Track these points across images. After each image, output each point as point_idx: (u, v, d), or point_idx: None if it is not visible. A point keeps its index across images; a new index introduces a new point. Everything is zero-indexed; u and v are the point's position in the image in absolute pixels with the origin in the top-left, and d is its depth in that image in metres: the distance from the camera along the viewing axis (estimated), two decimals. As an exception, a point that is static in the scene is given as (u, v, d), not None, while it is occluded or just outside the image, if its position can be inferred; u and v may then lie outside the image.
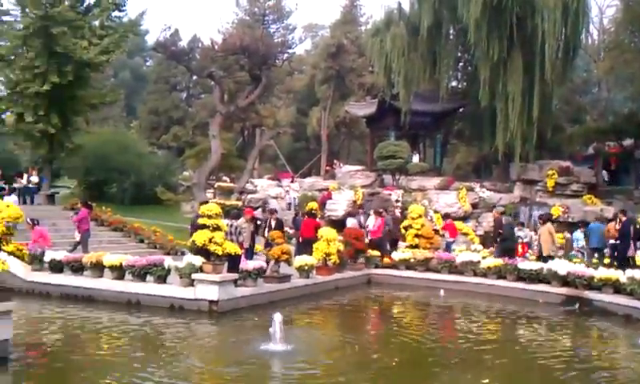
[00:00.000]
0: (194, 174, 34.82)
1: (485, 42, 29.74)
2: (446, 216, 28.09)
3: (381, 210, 22.82)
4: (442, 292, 17.52)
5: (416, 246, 20.73)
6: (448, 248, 22.64)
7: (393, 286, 19.00)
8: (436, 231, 25.04)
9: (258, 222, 19.65)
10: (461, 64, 40.43)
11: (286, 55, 40.07)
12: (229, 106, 35.13)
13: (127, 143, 36.51)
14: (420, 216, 21.57)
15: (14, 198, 20.52)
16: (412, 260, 19.73)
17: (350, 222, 22.93)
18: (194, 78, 56.15)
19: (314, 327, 13.59)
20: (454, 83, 40.13)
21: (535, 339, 12.40)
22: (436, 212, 28.53)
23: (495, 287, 17.53)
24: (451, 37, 35.37)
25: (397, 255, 20.14)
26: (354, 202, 29.67)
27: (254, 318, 13.24)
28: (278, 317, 10.35)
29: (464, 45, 35.32)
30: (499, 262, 17.89)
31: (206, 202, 18.48)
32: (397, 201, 29.05)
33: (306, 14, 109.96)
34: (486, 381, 8.81)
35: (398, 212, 25.77)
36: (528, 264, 17.37)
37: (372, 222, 21.93)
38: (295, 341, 10.79)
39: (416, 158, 35.22)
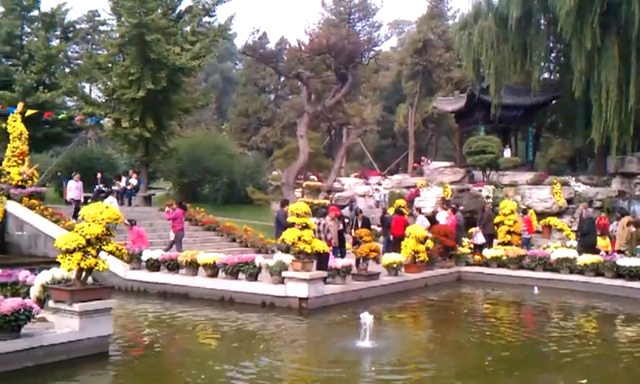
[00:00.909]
0: (283, 174, 35.31)
1: (577, 31, 28.66)
2: (530, 212, 27.22)
3: (454, 206, 22.29)
4: (535, 290, 16.99)
5: (508, 243, 20.23)
6: (526, 244, 21.86)
7: (484, 284, 18.62)
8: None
9: (346, 220, 19.71)
10: (552, 55, 39.09)
11: (372, 53, 39.98)
12: (316, 105, 35.40)
13: (219, 145, 37.51)
14: (512, 212, 21.03)
15: (112, 199, 21.44)
16: (504, 257, 19.24)
17: (442, 218, 22.58)
18: (282, 79, 56.94)
19: (403, 325, 13.52)
20: (545, 75, 38.83)
21: (638, 339, 11.86)
22: (529, 208, 27.71)
23: (592, 285, 16.85)
24: (542, 27, 34.24)
25: (488, 252, 19.71)
26: (443, 198, 29.24)
27: (343, 316, 13.32)
28: (367, 314, 10.37)
29: (555, 35, 34.14)
30: (597, 258, 17.18)
31: (287, 202, 18.71)
32: (487, 197, 28.41)
33: (392, 11, 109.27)
34: (584, 381, 8.51)
35: (488, 208, 25.18)
36: (628, 261, 16.58)
37: (443, 217, 21.46)
38: (384, 338, 10.79)
39: (507, 153, 34.30)
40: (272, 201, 33.83)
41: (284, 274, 13.81)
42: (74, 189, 23.60)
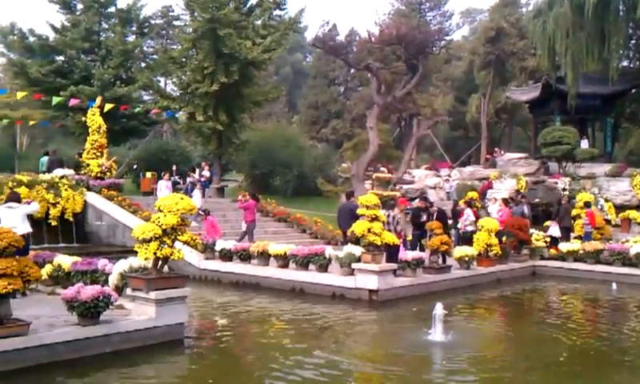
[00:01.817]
0: (353, 166, 35.26)
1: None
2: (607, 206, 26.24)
3: (508, 199, 21.58)
4: (614, 285, 16.42)
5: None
6: (587, 238, 20.98)
7: (559, 279, 18.11)
8: (607, 221, 23.54)
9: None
10: (632, 42, 37.51)
11: (443, 42, 39.36)
12: (386, 96, 35.16)
13: (289, 137, 37.84)
14: (589, 205, 20.35)
15: (197, 192, 22.02)
16: (581, 251, 18.65)
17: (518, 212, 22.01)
18: (352, 71, 56.80)
19: (475, 319, 13.31)
20: (624, 63, 37.32)
21: None
22: (607, 200, 26.74)
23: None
24: (620, 13, 32.85)
25: (564, 246, 19.16)
26: (517, 190, 28.56)
27: (413, 309, 13.23)
28: (438, 308, 10.27)
29: (635, 21, 32.74)
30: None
31: (352, 193, 18.63)
32: (564, 189, 27.57)
33: (464, 0, 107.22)
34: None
35: (564, 201, 24.43)
36: None
37: (495, 210, 20.81)
38: (455, 332, 10.65)
39: (584, 144, 33.17)
40: (341, 193, 33.86)
41: (354, 265, 13.83)
42: (164, 188, 23.38)
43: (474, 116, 52.98)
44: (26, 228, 11.31)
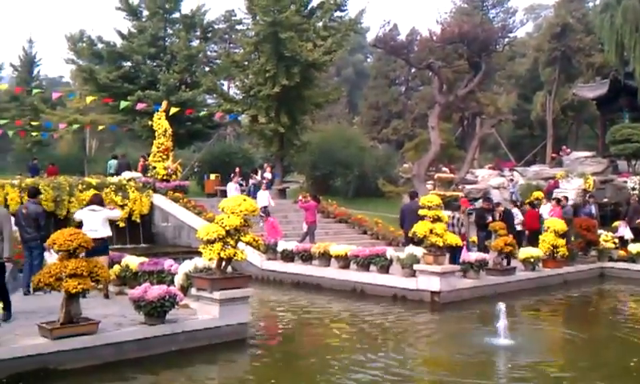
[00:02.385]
0: (414, 166, 34.94)
1: None
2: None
3: (560, 199, 20.85)
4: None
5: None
6: None
7: (629, 281, 17.52)
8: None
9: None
10: None
11: (506, 40, 38.60)
12: (448, 96, 34.73)
13: (350, 138, 37.88)
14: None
15: (265, 193, 22.29)
16: (652, 252, 17.99)
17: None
18: (413, 70, 56.32)
19: (540, 322, 13.03)
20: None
21: None
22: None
23: None
24: (694, 4, 31.53)
25: (634, 247, 18.52)
26: (584, 190, 27.75)
27: (476, 311, 13.04)
28: (502, 310, 10.11)
29: None
30: None
31: (415, 194, 18.42)
32: (633, 188, 26.65)
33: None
34: None
35: (633, 200, 23.61)
36: None
37: (546, 210, 20.18)
38: (520, 335, 10.45)
39: (655, 141, 31.95)
40: (403, 193, 33.64)
41: (415, 266, 13.72)
42: (233, 190, 23.54)
43: (539, 114, 51.70)
44: (107, 232, 11.55)
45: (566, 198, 21.11)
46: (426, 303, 13.29)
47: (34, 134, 45.63)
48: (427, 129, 35.59)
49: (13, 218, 13.50)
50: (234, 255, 9.80)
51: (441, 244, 13.38)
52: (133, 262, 12.13)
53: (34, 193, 12.41)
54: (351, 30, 31.36)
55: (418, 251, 13.80)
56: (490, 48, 34.65)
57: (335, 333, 11.33)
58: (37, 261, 11.39)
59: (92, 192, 19.18)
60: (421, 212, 13.83)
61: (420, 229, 13.48)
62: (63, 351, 8.13)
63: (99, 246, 11.09)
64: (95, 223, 11.34)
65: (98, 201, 11.97)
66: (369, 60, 79.08)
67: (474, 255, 14.86)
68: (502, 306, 10.24)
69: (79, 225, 11.39)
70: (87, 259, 8.59)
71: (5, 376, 7.65)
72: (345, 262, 15.25)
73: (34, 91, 43.97)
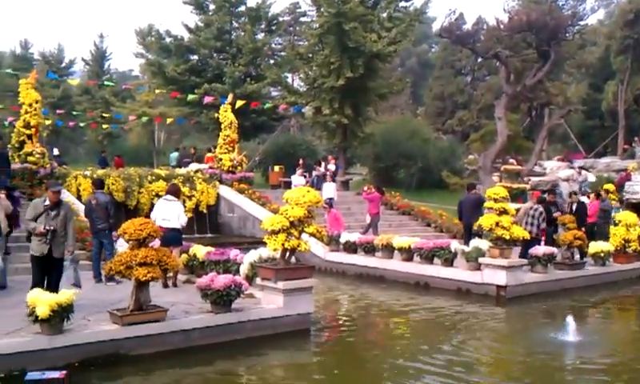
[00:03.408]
0: (480, 158, 34.42)
1: None
2: None
3: (601, 193, 19.87)
4: None
5: None
6: None
7: None
8: None
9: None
10: None
11: (576, 27, 37.47)
12: (515, 85, 34.02)
13: (414, 129, 37.53)
14: None
15: (332, 185, 22.40)
16: None
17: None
18: (479, 60, 55.35)
19: (611, 319, 12.64)
20: None
21: None
22: None
23: None
24: None
25: None
26: (658, 183, 26.69)
27: (543, 306, 12.77)
28: (570, 306, 9.88)
29: None
30: None
31: (473, 186, 18.06)
32: None
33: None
34: None
35: None
36: None
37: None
38: (588, 333, 10.18)
39: None
40: (466, 186, 33.17)
41: (481, 260, 13.52)
42: (298, 181, 23.84)
43: (610, 104, 49.97)
44: (180, 221, 11.76)
45: (607, 192, 20.37)
46: (491, 297, 13.09)
47: (104, 126, 47.10)
48: (493, 120, 35.00)
49: (83, 209, 14.02)
50: (298, 246, 9.89)
51: (507, 237, 13.13)
52: (200, 251, 12.39)
53: (99, 184, 12.85)
54: (416, 20, 31.03)
55: (484, 244, 13.60)
56: (559, 36, 33.74)
57: (398, 325, 11.31)
58: (108, 250, 11.75)
59: (161, 183, 19.88)
60: (487, 204, 13.61)
61: (486, 221, 13.27)
62: (133, 337, 8.40)
63: (173, 236, 11.40)
64: (168, 213, 11.57)
65: (173, 191, 12.13)
66: (433, 50, 78.08)
67: (541, 249, 14.52)
68: (570, 302, 9.99)
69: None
70: (157, 248, 8.83)
71: (77, 360, 7.95)
72: (408, 254, 15.16)
73: (105, 84, 45.32)
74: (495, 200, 13.47)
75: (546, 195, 17.84)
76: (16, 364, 7.58)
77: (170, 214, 11.60)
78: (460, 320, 11.44)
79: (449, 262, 14.31)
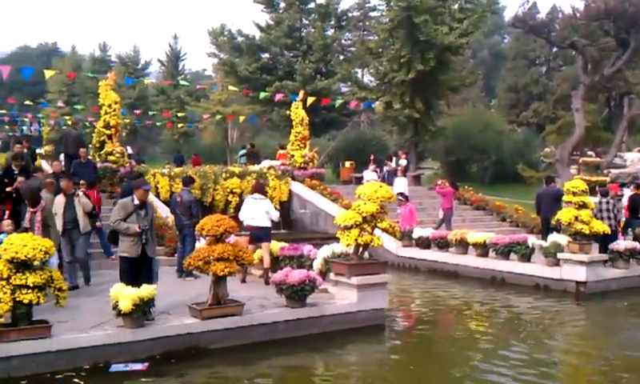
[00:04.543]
0: (557, 150, 33.53)
1: None
2: None
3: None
4: None
5: None
6: None
7: None
8: None
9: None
10: None
11: (659, 13, 35.93)
12: (593, 75, 32.97)
13: (487, 122, 36.89)
14: None
15: (403, 180, 22.30)
16: None
17: None
18: (554, 49, 53.94)
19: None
20: None
21: None
22: None
23: None
24: None
25: None
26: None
27: (624, 303, 12.33)
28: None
29: None
30: None
31: (551, 179, 17.51)
32: None
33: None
34: None
35: None
36: None
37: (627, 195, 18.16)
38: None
39: None
40: (544, 179, 32.32)
41: (559, 255, 13.16)
42: (370, 177, 23.75)
43: (697, 92, 47.69)
44: (265, 222, 11.98)
45: None
46: (570, 293, 12.73)
47: (179, 125, 48.32)
48: (570, 111, 34.06)
49: (164, 206, 14.40)
50: (371, 241, 9.89)
51: (587, 232, 12.74)
52: (274, 246, 12.55)
53: (187, 181, 13.07)
54: (488, 10, 30.48)
55: (562, 239, 13.24)
56: (639, 23, 32.44)
57: (474, 322, 11.15)
58: (190, 247, 12.02)
59: (235, 180, 20.26)
60: (565, 198, 13.24)
61: (564, 216, 12.92)
62: (211, 331, 8.60)
63: (261, 233, 11.67)
64: (255, 211, 11.74)
65: (260, 189, 12.27)
66: (506, 41, 76.49)
67: (623, 243, 14.02)
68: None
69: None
70: (233, 244, 9.00)
71: (159, 353, 8.22)
72: (483, 249, 14.91)
73: (181, 84, 46.45)
74: (574, 193, 13.09)
75: (606, 188, 17.14)
76: (100, 356, 7.91)
77: (256, 212, 11.74)
78: (538, 317, 11.17)
79: (526, 257, 14.00)
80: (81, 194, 11.51)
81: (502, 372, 7.99)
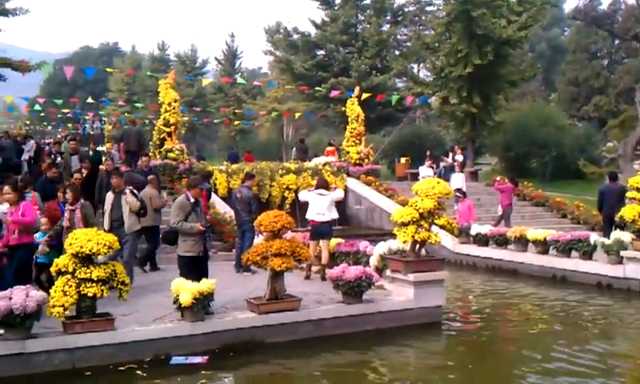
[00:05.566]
0: (619, 145, 32.53)
1: None
2: None
3: None
4: None
5: None
6: None
7: None
8: None
9: None
10: None
11: None
12: (658, 67, 31.87)
13: (546, 117, 36.00)
14: None
15: (461, 175, 22.10)
16: None
17: None
18: (617, 42, 52.35)
19: None
20: None
21: None
22: None
23: None
24: None
25: None
26: None
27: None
28: None
29: None
30: None
31: (615, 175, 17.00)
32: None
33: None
34: None
35: None
36: None
37: None
38: None
39: None
40: (607, 175, 31.42)
41: (623, 253, 12.77)
42: (427, 173, 23.79)
43: None
44: (333, 215, 11.96)
45: None
46: (634, 293, 12.33)
47: (236, 122, 48.90)
48: (634, 104, 33.02)
49: (221, 201, 14.58)
50: (428, 238, 9.81)
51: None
52: (331, 243, 12.56)
53: (247, 177, 13.18)
54: (547, 3, 29.82)
55: (626, 236, 12.84)
56: None
57: (534, 321, 10.91)
58: (248, 242, 12.13)
59: (291, 176, 20.41)
60: (629, 194, 12.84)
61: (628, 213, 12.53)
62: (269, 325, 8.70)
63: (325, 229, 11.65)
64: (322, 207, 11.70)
65: (324, 185, 12.23)
66: (565, 33, 74.67)
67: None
68: None
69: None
70: (290, 240, 9.07)
71: (218, 347, 8.36)
72: (543, 247, 14.58)
73: (238, 82, 47.03)
74: (638, 189, 12.69)
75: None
76: (161, 349, 8.10)
77: (323, 207, 11.70)
78: (600, 316, 10.87)
79: (588, 255, 13.63)
80: (128, 192, 11.04)
81: (562, 372, 7.83)
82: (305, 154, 25.88)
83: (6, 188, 9.50)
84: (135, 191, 11.24)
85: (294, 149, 28.56)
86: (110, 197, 11.13)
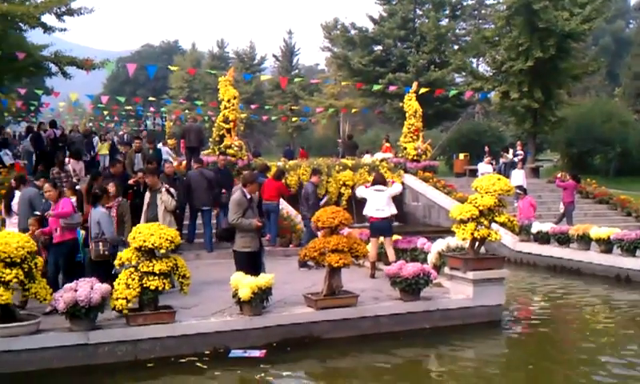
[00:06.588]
0: (690, 141, 31.33)
1: None
2: None
3: None
4: None
5: None
6: None
7: None
8: None
9: None
10: None
11: None
12: None
13: (610, 112, 34.94)
14: None
15: (522, 172, 21.73)
16: None
17: None
18: (688, 33, 50.38)
19: None
20: None
21: None
22: None
23: None
24: None
25: None
26: None
27: None
28: None
29: None
30: None
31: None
32: None
33: None
34: None
35: None
36: None
37: None
38: None
39: None
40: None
41: (692, 253, 12.32)
42: (486, 169, 23.04)
43: None
44: (392, 210, 11.93)
45: None
46: None
47: (294, 119, 49.19)
48: None
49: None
50: (488, 235, 9.65)
51: None
52: (387, 239, 12.52)
53: (313, 172, 13.25)
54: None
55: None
56: None
57: (598, 322, 10.63)
58: (304, 238, 12.18)
59: (348, 172, 20.42)
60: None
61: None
62: (326, 321, 8.73)
63: (385, 225, 11.63)
64: (381, 203, 11.68)
65: (381, 180, 12.19)
66: (631, 26, 72.29)
67: None
68: None
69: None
70: (347, 236, 9.08)
71: (275, 341, 8.45)
72: (607, 245, 14.17)
73: (296, 79, 47.28)
74: None
75: None
76: (220, 342, 8.24)
77: (382, 203, 11.66)
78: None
79: (654, 254, 13.19)
80: (164, 190, 10.89)
81: (625, 375, 7.59)
82: (354, 151, 25.79)
83: (47, 186, 9.84)
84: (171, 190, 11.13)
85: (340, 145, 28.38)
86: (146, 195, 11.20)
